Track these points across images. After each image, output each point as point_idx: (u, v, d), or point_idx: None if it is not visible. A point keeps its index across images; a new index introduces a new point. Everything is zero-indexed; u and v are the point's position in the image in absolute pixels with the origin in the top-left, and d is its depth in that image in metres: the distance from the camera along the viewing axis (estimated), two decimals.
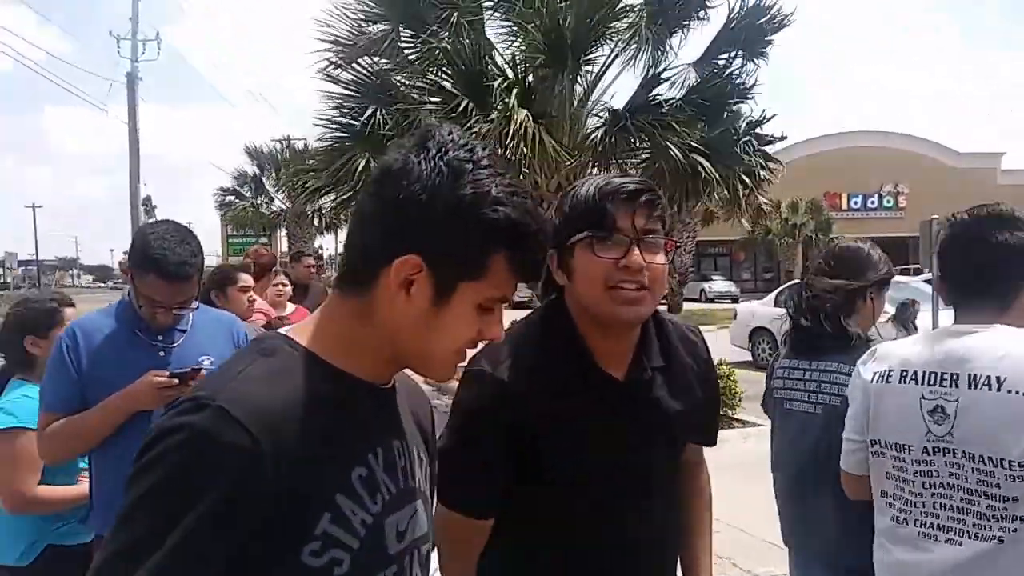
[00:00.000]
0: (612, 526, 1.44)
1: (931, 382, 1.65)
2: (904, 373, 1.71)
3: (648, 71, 8.20)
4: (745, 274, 39.32)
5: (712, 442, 1.67)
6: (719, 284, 34.85)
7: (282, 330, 1.02)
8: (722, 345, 9.04)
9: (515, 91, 7.20)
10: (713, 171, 7.63)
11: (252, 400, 0.87)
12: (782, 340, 2.46)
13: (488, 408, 1.38)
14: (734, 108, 8.49)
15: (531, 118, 6.97)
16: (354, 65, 7.97)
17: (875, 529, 1.78)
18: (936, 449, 1.63)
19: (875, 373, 1.78)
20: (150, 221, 2.22)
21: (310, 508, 0.90)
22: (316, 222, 24.97)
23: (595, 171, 8.07)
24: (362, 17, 7.92)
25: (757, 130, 8.70)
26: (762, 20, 8.43)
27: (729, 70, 8.50)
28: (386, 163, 0.97)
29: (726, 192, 8.25)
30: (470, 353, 1.13)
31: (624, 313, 1.35)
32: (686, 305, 27.06)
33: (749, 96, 8.53)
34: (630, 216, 1.34)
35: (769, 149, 9.13)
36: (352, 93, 7.86)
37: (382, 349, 0.98)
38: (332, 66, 7.96)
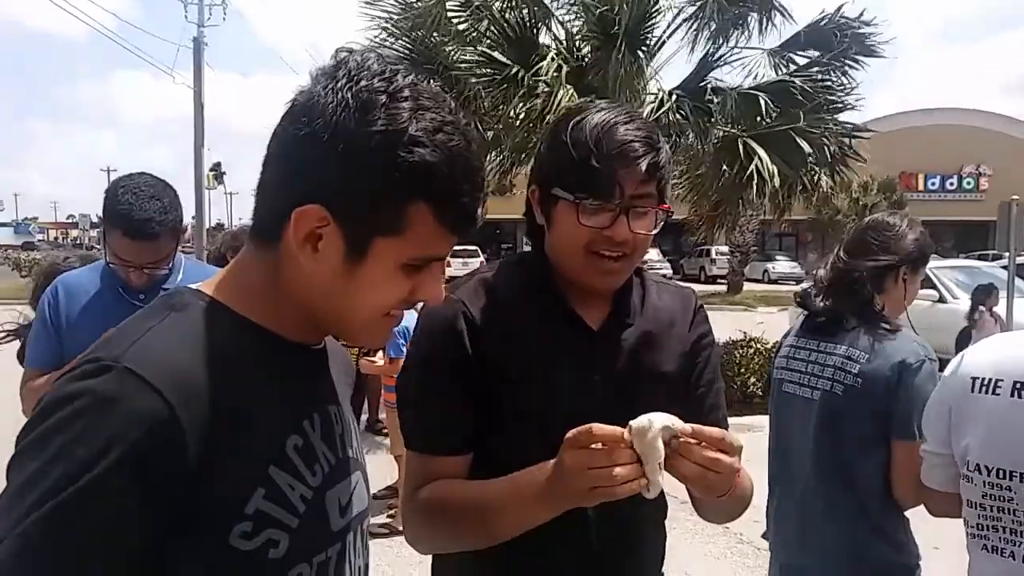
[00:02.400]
0: None
1: None
2: (1019, 385, 1.40)
3: (708, 54, 7.79)
4: (811, 255, 38.09)
5: (717, 423, 1.40)
6: (783, 264, 33.84)
7: (193, 285, 0.88)
8: (783, 328, 8.61)
9: (565, 68, 6.90)
10: (770, 166, 7.08)
11: (164, 360, 0.75)
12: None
13: (452, 335, 1.27)
14: (808, 106, 7.72)
15: (576, 96, 6.63)
16: (403, 37, 7.75)
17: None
18: None
19: (973, 379, 1.47)
20: (125, 174, 2.06)
21: (239, 484, 0.78)
22: None
23: None
24: None
25: (838, 116, 7.95)
26: (848, 34, 7.83)
27: (808, 72, 7.91)
28: (294, 97, 0.83)
29: (778, 189, 7.65)
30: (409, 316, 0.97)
31: (599, 282, 1.30)
32: (747, 286, 26.34)
33: (834, 105, 7.84)
34: (623, 181, 1.22)
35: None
36: (401, 59, 7.66)
37: (302, 308, 0.86)
38: (382, 38, 7.77)
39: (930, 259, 2.11)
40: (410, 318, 1.13)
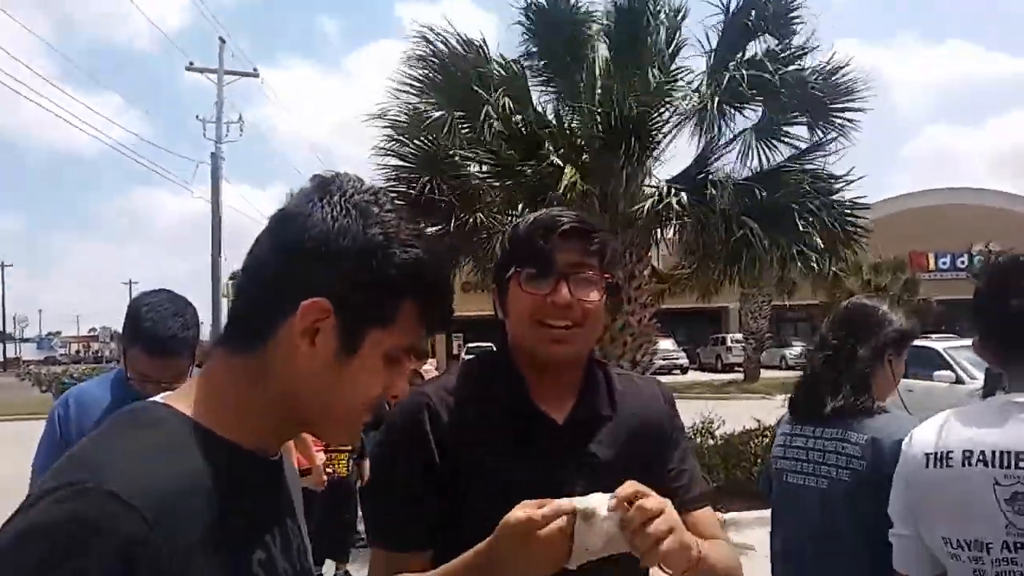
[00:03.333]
0: None
1: (1005, 464, 1.36)
2: (968, 455, 1.41)
3: (704, 144, 7.96)
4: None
5: (698, 506, 1.41)
6: (800, 350, 33.39)
7: (157, 397, 0.90)
8: None
9: (570, 161, 7.11)
10: (763, 242, 7.19)
11: (144, 481, 0.75)
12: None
13: (415, 430, 1.30)
14: (800, 175, 7.87)
15: (581, 177, 6.83)
16: (411, 143, 8.06)
17: None
18: (1019, 545, 1.34)
19: (927, 455, 1.48)
20: (146, 291, 2.14)
21: None
22: None
23: (651, 237, 7.85)
24: (416, 103, 8.05)
25: (836, 196, 7.99)
26: (829, 88, 7.90)
27: (792, 139, 8.02)
28: (284, 209, 0.91)
29: (776, 266, 7.70)
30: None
31: (552, 350, 1.32)
32: (764, 373, 26.07)
33: (819, 169, 7.94)
34: (560, 251, 1.30)
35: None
36: (408, 164, 7.95)
37: (271, 414, 0.89)
38: (389, 146, 8.07)
39: (917, 337, 2.15)
40: None
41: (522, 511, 1.05)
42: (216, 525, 0.80)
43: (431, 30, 7.69)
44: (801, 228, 7.42)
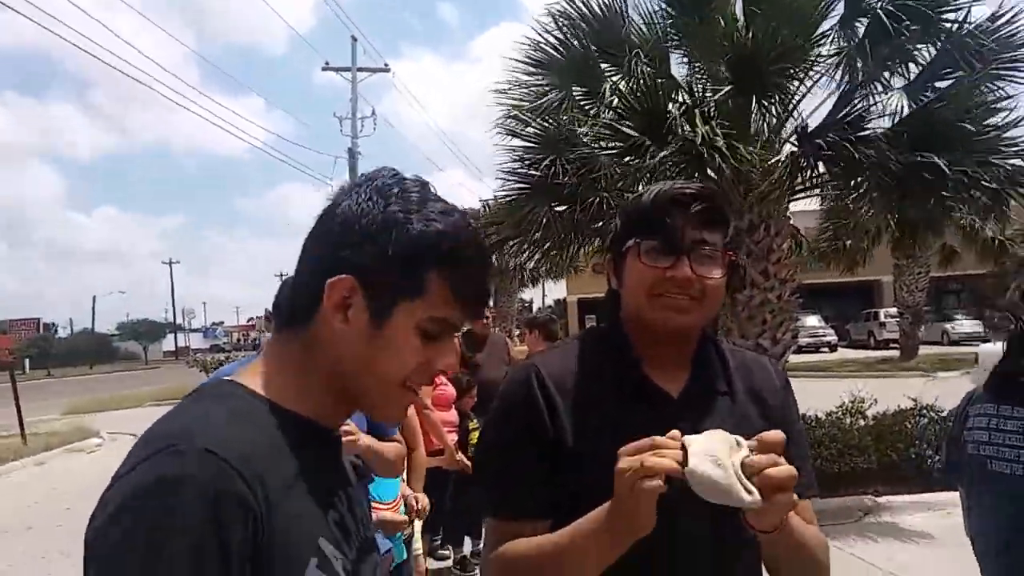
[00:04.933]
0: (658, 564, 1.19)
1: None
2: None
3: (852, 90, 7.27)
4: (993, 312, 34.65)
5: (806, 494, 1.34)
6: (966, 324, 30.81)
7: (226, 376, 0.97)
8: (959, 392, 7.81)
9: (697, 117, 6.65)
10: (954, 168, 6.33)
11: (232, 442, 0.81)
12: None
13: (526, 398, 1.28)
14: (970, 132, 6.83)
15: (711, 135, 6.42)
16: (533, 122, 7.97)
17: None
18: None
19: None
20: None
21: (300, 553, 0.84)
22: (520, 276, 25.70)
23: (789, 204, 7.40)
24: (536, 85, 7.97)
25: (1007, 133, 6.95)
26: (997, 36, 6.93)
27: (961, 92, 6.92)
28: (325, 207, 0.98)
29: (975, 198, 6.83)
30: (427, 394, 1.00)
31: (669, 320, 1.28)
32: (923, 349, 24.26)
33: (993, 126, 6.91)
34: (683, 225, 1.27)
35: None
36: (532, 144, 7.89)
37: (330, 386, 0.95)
38: (511, 127, 8.04)
39: None
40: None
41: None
42: (296, 484, 0.86)
43: None
44: (983, 164, 6.58)
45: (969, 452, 1.87)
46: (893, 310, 26.79)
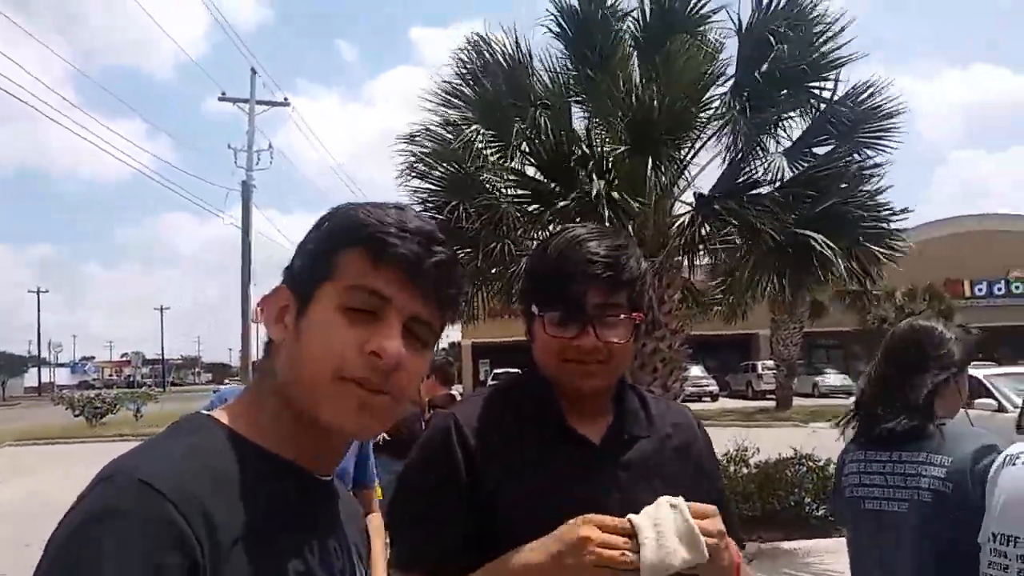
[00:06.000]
0: None
1: None
2: None
3: (738, 154, 7.80)
4: (860, 366, 37.08)
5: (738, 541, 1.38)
6: (833, 377, 32.86)
7: (203, 410, 0.94)
8: (838, 444, 8.26)
9: (593, 171, 6.98)
10: (827, 244, 6.89)
11: (173, 476, 0.76)
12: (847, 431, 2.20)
13: (443, 449, 1.26)
14: (842, 191, 7.53)
15: (611, 188, 6.72)
16: (437, 168, 8.03)
17: None
18: None
19: (1006, 457, 1.56)
20: None
21: None
22: None
23: (683, 259, 7.72)
24: (444, 124, 8.03)
25: (874, 200, 7.62)
26: (864, 107, 7.69)
27: (833, 160, 7.66)
28: None
29: (848, 268, 7.37)
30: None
31: (579, 385, 1.29)
32: (796, 400, 25.59)
33: (860, 187, 7.56)
34: (586, 291, 1.26)
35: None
36: (436, 188, 7.93)
37: (281, 412, 0.89)
38: (417, 175, 8.05)
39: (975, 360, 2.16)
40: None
41: (585, 527, 1.08)
42: (252, 526, 0.79)
43: (481, 39, 7.69)
44: (855, 234, 7.21)
45: (848, 496, 2.07)
46: (770, 362, 28.22)
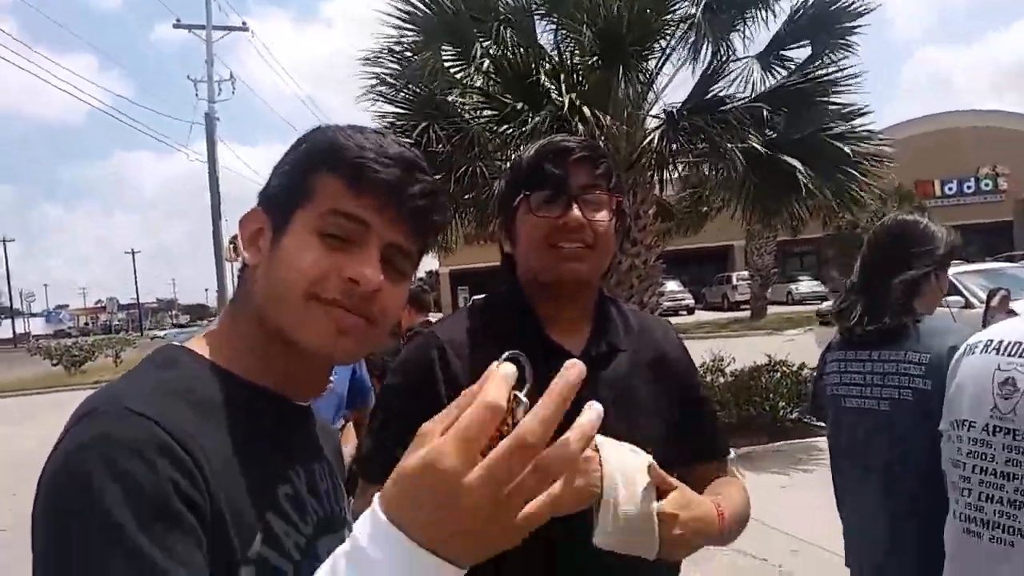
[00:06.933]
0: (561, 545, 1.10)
1: (1011, 352, 1.43)
2: (989, 343, 1.50)
3: (708, 66, 7.72)
4: (834, 272, 37.69)
5: (717, 454, 1.46)
6: (805, 284, 33.43)
7: (180, 342, 0.92)
8: (812, 349, 8.48)
9: (566, 86, 6.89)
10: (808, 173, 6.97)
11: (157, 404, 0.75)
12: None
13: (423, 364, 1.29)
14: (818, 103, 7.60)
15: (581, 102, 6.62)
16: (404, 89, 7.83)
17: None
18: (997, 428, 1.40)
19: (965, 346, 1.59)
20: None
21: (243, 527, 0.77)
22: None
23: (654, 175, 7.69)
24: (406, 48, 7.81)
25: (851, 123, 7.73)
26: (834, 7, 7.66)
27: (807, 64, 7.72)
28: None
29: (826, 197, 7.45)
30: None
31: (565, 269, 1.30)
32: (771, 309, 26.03)
33: (833, 92, 7.61)
34: (568, 173, 1.31)
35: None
36: (404, 111, 7.77)
37: (255, 335, 0.88)
38: (383, 98, 7.86)
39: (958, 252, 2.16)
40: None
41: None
42: (239, 453, 0.80)
43: None
44: (837, 152, 7.21)
45: (829, 395, 2.13)
46: (745, 273, 28.56)
